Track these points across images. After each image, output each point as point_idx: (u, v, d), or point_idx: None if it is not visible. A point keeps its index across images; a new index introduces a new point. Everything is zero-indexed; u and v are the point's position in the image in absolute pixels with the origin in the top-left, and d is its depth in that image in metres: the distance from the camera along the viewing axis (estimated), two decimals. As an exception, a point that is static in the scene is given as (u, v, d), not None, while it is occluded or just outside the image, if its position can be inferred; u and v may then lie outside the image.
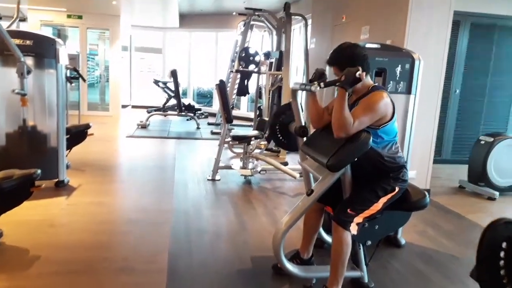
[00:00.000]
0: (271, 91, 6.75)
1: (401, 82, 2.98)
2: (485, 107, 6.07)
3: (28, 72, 3.46)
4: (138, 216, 3.52)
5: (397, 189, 2.16)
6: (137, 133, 7.73)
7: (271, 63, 7.11)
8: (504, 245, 1.38)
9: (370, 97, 2.11)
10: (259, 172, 4.88)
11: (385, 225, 2.26)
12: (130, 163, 5.61)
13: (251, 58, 7.25)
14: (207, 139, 7.52)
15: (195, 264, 2.70)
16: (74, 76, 6.57)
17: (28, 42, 3.71)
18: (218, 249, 2.97)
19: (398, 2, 4.43)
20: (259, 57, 7.31)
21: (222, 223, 3.50)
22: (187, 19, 11.11)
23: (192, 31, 11.73)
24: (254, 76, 7.18)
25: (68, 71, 6.44)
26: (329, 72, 2.38)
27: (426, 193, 2.24)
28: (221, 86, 4.91)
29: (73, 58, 8.05)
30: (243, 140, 4.80)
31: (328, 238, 2.82)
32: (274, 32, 7.72)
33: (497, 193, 4.50)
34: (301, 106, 2.50)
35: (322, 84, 2.10)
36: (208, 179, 4.73)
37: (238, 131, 5.67)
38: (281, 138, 2.73)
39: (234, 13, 8.61)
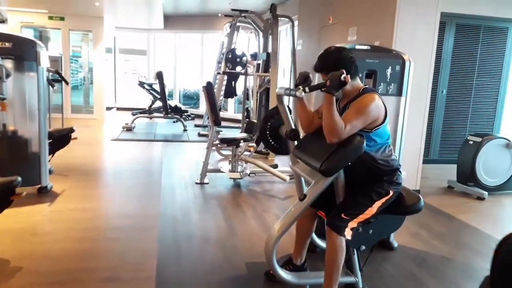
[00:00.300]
0: (258, 93, 6.70)
1: (392, 84, 2.96)
2: (471, 107, 6.13)
3: (7, 75, 3.35)
4: (124, 222, 3.42)
5: (391, 192, 2.12)
6: (122, 136, 7.59)
7: (258, 65, 7.06)
8: None
9: (361, 100, 2.06)
10: (248, 175, 4.82)
11: (379, 229, 2.22)
12: (116, 167, 5.48)
13: (238, 59, 7.19)
14: (195, 141, 7.43)
15: (184, 271, 2.63)
16: (57, 79, 6.42)
17: (7, 44, 3.58)
18: (207, 255, 2.89)
19: (386, 4, 4.43)
20: (246, 59, 7.26)
21: (211, 228, 3.42)
22: (172, 20, 11.00)
23: (177, 32, 11.61)
24: (241, 78, 7.13)
25: (50, 74, 6.31)
26: (317, 77, 2.34)
27: (421, 197, 2.21)
28: (209, 88, 4.84)
29: (55, 61, 7.87)
30: (232, 143, 4.74)
31: (320, 242, 2.77)
32: (261, 34, 7.68)
33: (486, 192, 4.53)
34: (289, 109, 2.45)
35: (307, 89, 2.05)
36: (196, 183, 4.64)
37: (226, 133, 5.61)
38: (272, 142, 2.67)
39: (219, 15, 8.54)
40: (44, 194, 3.92)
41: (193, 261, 2.78)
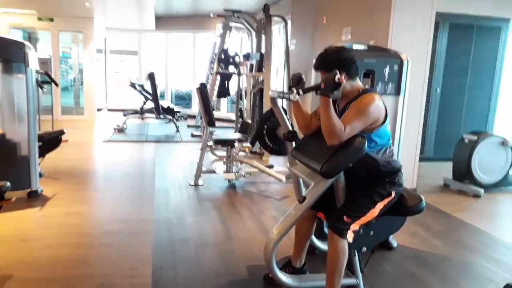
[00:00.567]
0: (252, 93, 6.64)
1: (390, 84, 2.93)
2: (465, 105, 6.14)
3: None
4: (117, 226, 3.33)
5: (393, 193, 2.07)
6: (114, 137, 7.49)
7: (251, 65, 7.00)
8: None
9: (360, 101, 2.01)
10: (244, 176, 4.76)
11: (381, 231, 2.17)
12: (108, 169, 5.38)
13: (231, 60, 7.13)
14: (188, 142, 7.35)
15: (180, 276, 2.56)
16: (46, 80, 6.31)
17: (-6, 46, 3.50)
18: (204, 260, 2.82)
19: (381, 4, 4.40)
20: (239, 59, 7.20)
21: (207, 231, 3.35)
22: (164, 20, 10.89)
23: (168, 32, 11.52)
24: (234, 78, 7.07)
25: (39, 75, 6.19)
26: (314, 77, 2.29)
27: (422, 197, 2.16)
28: (202, 89, 4.76)
29: (44, 62, 7.76)
30: (227, 143, 4.67)
31: (319, 244, 2.73)
32: (254, 34, 7.61)
33: (482, 190, 4.52)
34: (284, 110, 2.40)
35: (300, 91, 2.00)
36: (190, 185, 4.56)
37: (219, 133, 5.54)
38: (269, 144, 2.62)
39: (211, 15, 8.46)
40: (35, 198, 3.83)
41: (189, 265, 2.71)
